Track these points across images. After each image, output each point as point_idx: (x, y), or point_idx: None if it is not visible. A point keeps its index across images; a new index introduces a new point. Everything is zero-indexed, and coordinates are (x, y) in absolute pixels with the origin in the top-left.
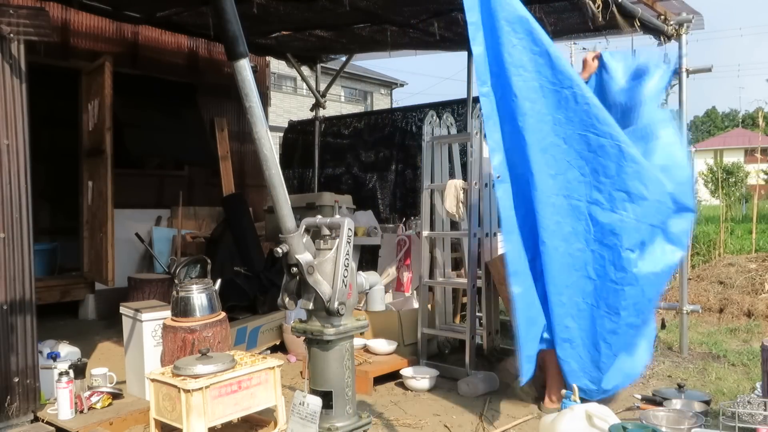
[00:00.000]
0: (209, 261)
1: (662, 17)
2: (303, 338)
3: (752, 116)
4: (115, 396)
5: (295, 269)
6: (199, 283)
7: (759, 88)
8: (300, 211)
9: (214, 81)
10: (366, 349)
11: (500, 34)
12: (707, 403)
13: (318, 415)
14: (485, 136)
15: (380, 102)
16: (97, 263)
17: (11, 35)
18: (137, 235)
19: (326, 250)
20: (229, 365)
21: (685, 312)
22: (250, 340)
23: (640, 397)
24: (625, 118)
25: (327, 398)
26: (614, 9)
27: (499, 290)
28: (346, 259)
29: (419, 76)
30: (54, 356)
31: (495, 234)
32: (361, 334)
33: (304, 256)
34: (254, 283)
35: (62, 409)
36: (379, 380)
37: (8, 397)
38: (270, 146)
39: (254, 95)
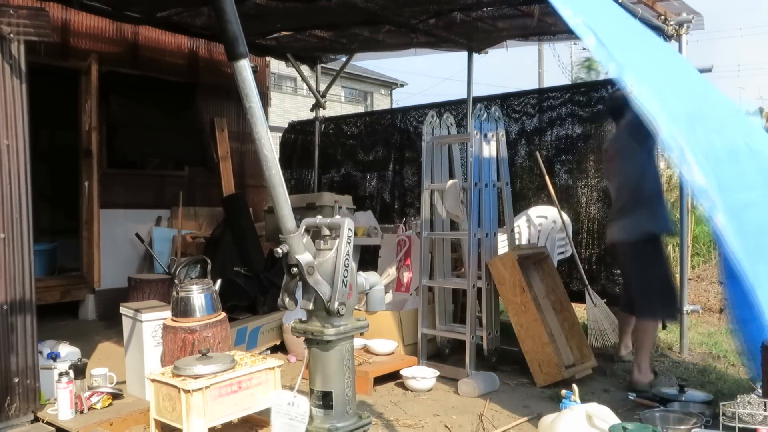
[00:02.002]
0: (209, 261)
1: (662, 17)
2: (303, 338)
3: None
4: (115, 396)
5: (295, 269)
6: (199, 284)
7: (759, 89)
8: (300, 212)
9: (214, 81)
10: (366, 349)
11: None
12: (707, 403)
13: (307, 415)
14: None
15: (380, 102)
16: (89, 264)
17: (11, 35)
18: (137, 235)
19: (326, 251)
20: (229, 365)
21: (685, 312)
22: (250, 341)
23: (640, 397)
24: None
25: (327, 398)
26: None
27: (499, 290)
28: (346, 259)
29: (419, 76)
30: (54, 356)
31: (495, 234)
32: (361, 334)
33: (304, 257)
34: (254, 283)
35: (62, 409)
36: (379, 380)
37: (8, 397)
38: (270, 146)
39: (254, 95)
